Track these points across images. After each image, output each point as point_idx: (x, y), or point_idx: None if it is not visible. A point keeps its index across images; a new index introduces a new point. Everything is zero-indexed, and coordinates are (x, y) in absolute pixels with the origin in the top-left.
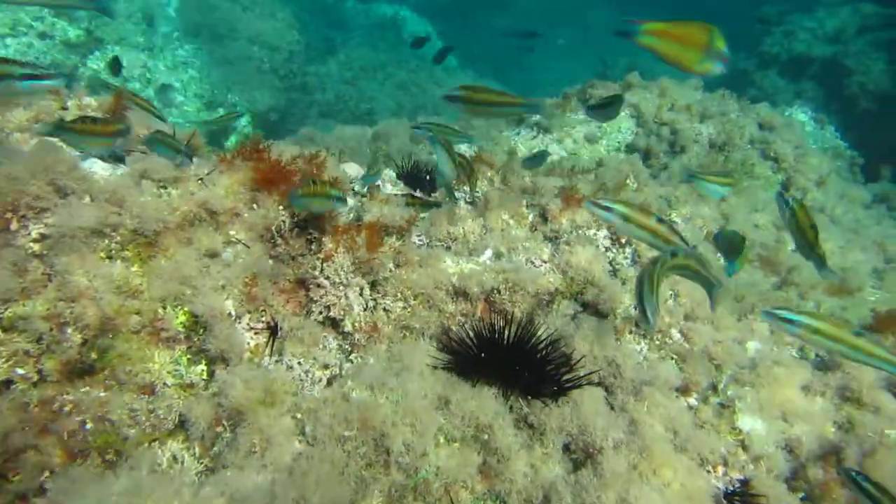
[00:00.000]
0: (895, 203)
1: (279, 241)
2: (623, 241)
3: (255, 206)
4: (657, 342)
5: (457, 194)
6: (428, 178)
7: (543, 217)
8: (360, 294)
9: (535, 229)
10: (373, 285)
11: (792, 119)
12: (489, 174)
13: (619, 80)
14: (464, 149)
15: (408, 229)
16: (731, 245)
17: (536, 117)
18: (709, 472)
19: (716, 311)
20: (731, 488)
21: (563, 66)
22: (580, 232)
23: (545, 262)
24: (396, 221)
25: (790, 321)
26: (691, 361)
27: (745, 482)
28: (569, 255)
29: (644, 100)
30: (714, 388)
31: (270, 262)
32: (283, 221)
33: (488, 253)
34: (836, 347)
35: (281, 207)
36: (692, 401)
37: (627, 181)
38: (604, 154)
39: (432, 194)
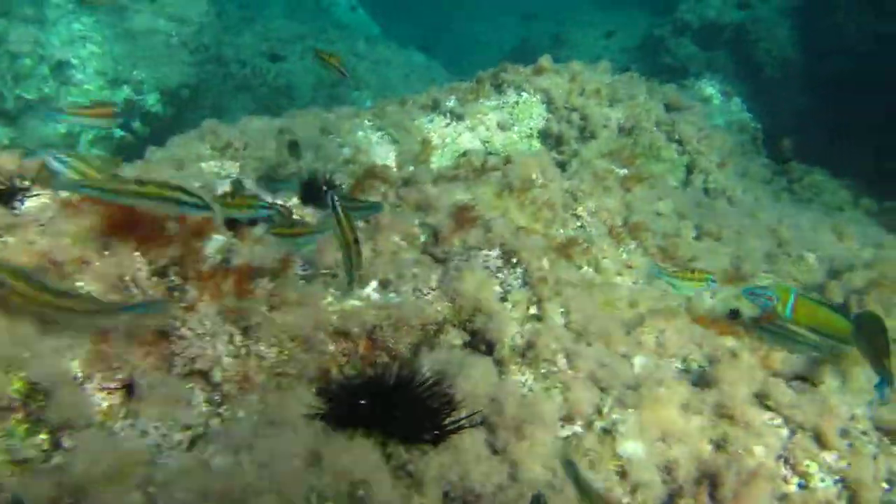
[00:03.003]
0: (795, 175)
1: (135, 290)
2: (514, 260)
3: (107, 253)
4: (542, 371)
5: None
6: (325, 188)
7: (436, 237)
8: (231, 341)
9: (426, 251)
10: (245, 331)
11: (699, 95)
12: (383, 189)
13: (533, 62)
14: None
15: (284, 269)
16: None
17: (451, 103)
18: None
19: (605, 325)
20: None
21: (488, 29)
22: (471, 254)
23: (433, 290)
24: (269, 263)
25: None
26: (575, 389)
27: None
28: (457, 282)
29: (555, 84)
30: (599, 411)
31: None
32: (140, 269)
33: (373, 284)
34: None
35: (137, 254)
36: (577, 428)
37: (534, 177)
38: (516, 140)
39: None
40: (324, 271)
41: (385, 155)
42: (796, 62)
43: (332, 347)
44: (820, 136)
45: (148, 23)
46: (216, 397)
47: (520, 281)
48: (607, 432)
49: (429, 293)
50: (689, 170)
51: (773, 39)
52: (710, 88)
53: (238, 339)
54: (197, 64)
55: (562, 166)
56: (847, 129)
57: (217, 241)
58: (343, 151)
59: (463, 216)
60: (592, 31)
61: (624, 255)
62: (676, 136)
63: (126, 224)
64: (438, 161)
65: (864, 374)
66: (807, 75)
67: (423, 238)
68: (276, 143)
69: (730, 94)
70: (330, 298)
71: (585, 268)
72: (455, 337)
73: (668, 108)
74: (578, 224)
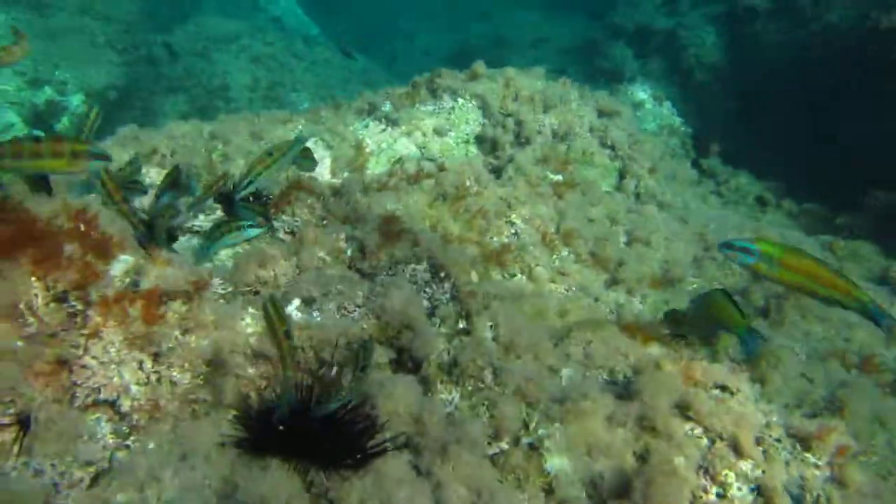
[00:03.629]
0: (721, 178)
1: (30, 318)
2: (442, 274)
3: None
4: (469, 388)
5: (276, 224)
6: (252, 199)
7: (363, 252)
8: (140, 368)
9: (353, 266)
10: (155, 357)
11: (631, 100)
12: (309, 201)
13: (467, 68)
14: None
15: (199, 290)
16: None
17: (386, 108)
18: None
19: (533, 338)
20: None
21: (430, 29)
22: (398, 268)
23: (359, 307)
24: (181, 286)
25: None
26: (502, 406)
27: None
28: (383, 298)
29: (490, 90)
30: (526, 426)
31: (20, 343)
32: (35, 294)
33: (295, 303)
34: None
35: (33, 278)
36: (504, 445)
37: (468, 184)
38: (453, 146)
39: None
40: (244, 289)
41: (319, 161)
42: (723, 68)
43: (251, 371)
44: (746, 139)
45: (71, 21)
46: (123, 428)
47: (448, 295)
48: (534, 448)
49: (354, 311)
50: (622, 175)
51: (701, 45)
52: (641, 93)
53: (148, 365)
54: (126, 64)
55: (497, 172)
56: (768, 134)
57: (124, 262)
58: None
59: (390, 229)
60: (532, 32)
61: (556, 262)
62: (609, 142)
63: (19, 245)
64: (374, 167)
65: (779, 377)
66: (733, 81)
67: (349, 253)
68: (206, 149)
69: (661, 99)
70: (248, 319)
71: (519, 276)
72: (381, 355)
73: (601, 113)
74: (512, 231)
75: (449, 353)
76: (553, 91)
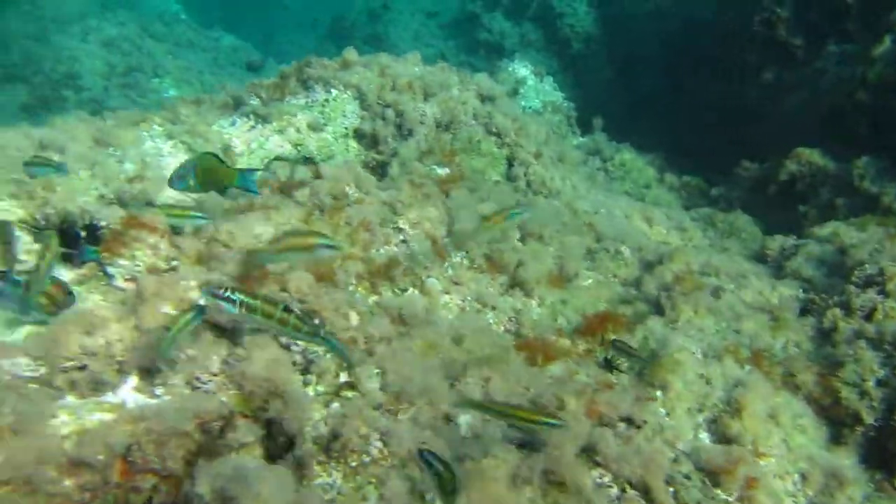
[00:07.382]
0: (606, 154)
1: None
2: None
3: None
4: (353, 464)
5: (112, 269)
6: (83, 235)
7: None
8: None
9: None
10: None
11: (513, 78)
12: (152, 240)
13: (339, 56)
14: None
15: None
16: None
17: (254, 102)
18: None
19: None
20: None
21: (301, 4)
22: None
23: (215, 376)
24: None
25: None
26: (392, 481)
27: None
28: (244, 364)
29: (365, 79)
30: (422, 498)
31: None
32: None
33: (130, 381)
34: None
35: None
36: None
37: (348, 191)
38: (332, 142)
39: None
40: (65, 365)
41: None
42: (597, 37)
43: (67, 483)
44: (625, 111)
45: None
46: None
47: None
48: None
49: (210, 381)
50: (510, 162)
51: (574, 15)
52: (523, 70)
53: None
54: None
55: (382, 167)
56: (643, 104)
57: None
58: (125, 168)
59: (248, 273)
60: (409, 6)
61: (449, 271)
62: (494, 129)
63: None
64: None
65: (680, 381)
66: (608, 50)
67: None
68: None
69: (541, 75)
70: (65, 415)
71: (411, 290)
72: (246, 433)
73: (483, 99)
74: (401, 238)
75: (327, 424)
76: (432, 77)
